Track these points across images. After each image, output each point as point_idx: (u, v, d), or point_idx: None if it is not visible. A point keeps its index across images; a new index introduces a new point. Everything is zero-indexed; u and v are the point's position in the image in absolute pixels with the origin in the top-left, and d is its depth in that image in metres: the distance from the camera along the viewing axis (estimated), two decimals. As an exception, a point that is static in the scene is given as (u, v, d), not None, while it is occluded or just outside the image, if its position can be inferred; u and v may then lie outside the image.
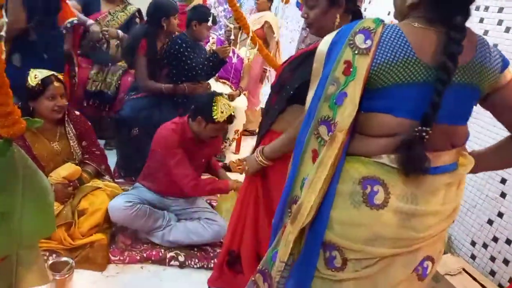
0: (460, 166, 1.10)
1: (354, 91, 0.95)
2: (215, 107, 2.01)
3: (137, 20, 3.22)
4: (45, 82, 1.94)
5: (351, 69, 0.96)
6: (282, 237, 1.03)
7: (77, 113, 2.21)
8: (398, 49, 0.92)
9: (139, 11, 3.24)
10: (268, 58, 2.47)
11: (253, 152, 1.54)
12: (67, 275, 1.72)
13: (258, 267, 1.13)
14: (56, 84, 1.97)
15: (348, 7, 1.35)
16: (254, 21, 3.86)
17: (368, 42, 0.95)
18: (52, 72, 1.99)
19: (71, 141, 2.12)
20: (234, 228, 1.65)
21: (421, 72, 0.92)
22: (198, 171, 2.25)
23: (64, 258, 1.81)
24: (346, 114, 0.95)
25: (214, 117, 2.00)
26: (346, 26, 1.02)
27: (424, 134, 0.91)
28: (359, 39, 0.96)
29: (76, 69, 3.02)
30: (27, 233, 1.04)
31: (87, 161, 2.20)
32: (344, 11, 1.35)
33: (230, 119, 2.08)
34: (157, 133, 2.13)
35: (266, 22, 3.87)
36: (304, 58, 1.38)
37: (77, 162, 2.15)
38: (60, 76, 2.05)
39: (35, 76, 1.95)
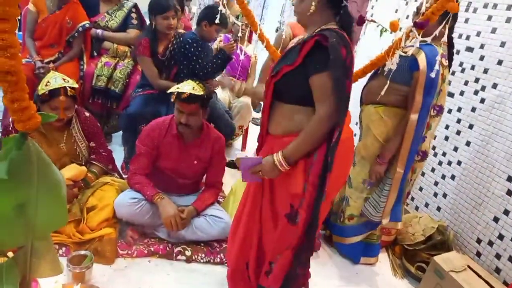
0: None
1: (444, 89, 2.04)
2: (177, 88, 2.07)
3: (133, 15, 3.24)
4: (52, 94, 1.93)
5: (443, 78, 1.98)
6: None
7: (87, 114, 2.22)
8: None
9: (135, 6, 3.26)
10: (275, 55, 2.48)
11: (257, 155, 1.58)
12: (85, 268, 1.76)
13: None
14: (62, 98, 1.95)
15: None
16: None
17: (446, 62, 2.00)
18: (65, 84, 1.96)
19: (79, 142, 2.15)
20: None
21: None
22: (190, 172, 2.26)
23: (83, 252, 1.85)
24: (443, 100, 2.07)
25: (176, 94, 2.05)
26: (433, 52, 1.90)
27: None
28: (443, 60, 1.94)
29: (85, 66, 3.08)
30: (41, 224, 1.07)
31: (93, 162, 2.24)
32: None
33: (186, 97, 2.04)
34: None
35: None
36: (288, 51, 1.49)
37: (83, 163, 2.18)
38: (73, 86, 2.00)
39: (47, 83, 1.94)
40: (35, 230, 1.05)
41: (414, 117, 1.96)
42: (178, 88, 2.05)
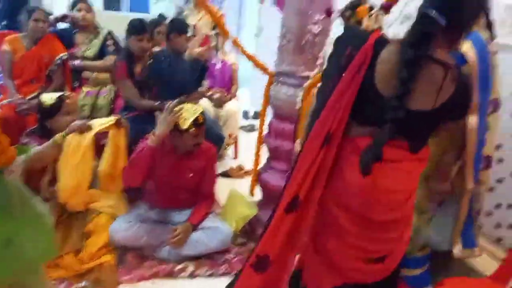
0: None
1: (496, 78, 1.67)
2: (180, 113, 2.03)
3: (109, 42, 3.23)
4: (60, 100, 2.09)
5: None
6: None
7: None
8: None
9: (110, 33, 3.26)
10: (252, 59, 2.51)
11: None
12: None
13: None
14: (69, 101, 2.12)
15: None
16: None
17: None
18: (63, 92, 2.18)
19: None
20: None
21: None
22: (188, 185, 2.23)
23: (84, 283, 1.84)
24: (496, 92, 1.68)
25: (181, 126, 2.02)
26: (479, 38, 1.58)
27: None
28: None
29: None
30: (29, 257, 1.07)
31: None
32: None
33: (197, 121, 2.05)
34: None
35: None
36: None
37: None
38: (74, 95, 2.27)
39: (50, 96, 2.11)
40: (25, 263, 1.05)
41: (473, 119, 1.62)
42: (185, 119, 2.03)
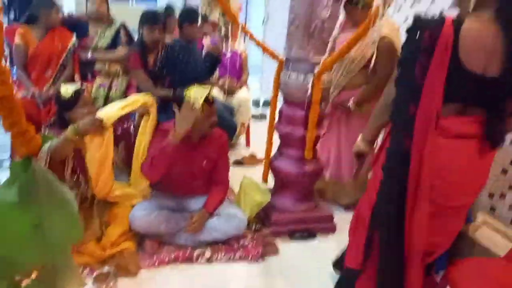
0: None
1: None
2: (189, 98, 2.01)
3: (122, 33, 3.24)
4: (77, 93, 2.10)
5: None
6: None
7: None
8: None
9: (123, 24, 3.27)
10: (262, 45, 2.51)
11: None
12: (111, 283, 1.83)
13: None
14: (85, 94, 2.15)
15: None
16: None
17: None
18: (79, 86, 2.19)
19: None
20: None
21: None
22: (201, 173, 2.25)
23: (106, 268, 1.90)
24: None
25: (194, 106, 2.00)
26: None
27: None
28: None
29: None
30: (58, 241, 1.11)
31: None
32: None
33: (208, 100, 2.04)
34: None
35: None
36: None
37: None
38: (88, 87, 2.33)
39: (67, 89, 2.11)
40: (54, 247, 1.10)
41: None
42: (195, 98, 2.00)
